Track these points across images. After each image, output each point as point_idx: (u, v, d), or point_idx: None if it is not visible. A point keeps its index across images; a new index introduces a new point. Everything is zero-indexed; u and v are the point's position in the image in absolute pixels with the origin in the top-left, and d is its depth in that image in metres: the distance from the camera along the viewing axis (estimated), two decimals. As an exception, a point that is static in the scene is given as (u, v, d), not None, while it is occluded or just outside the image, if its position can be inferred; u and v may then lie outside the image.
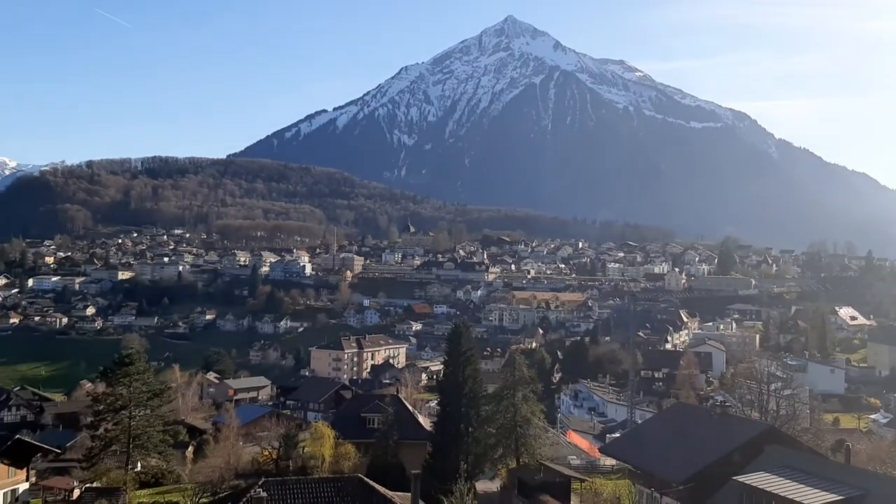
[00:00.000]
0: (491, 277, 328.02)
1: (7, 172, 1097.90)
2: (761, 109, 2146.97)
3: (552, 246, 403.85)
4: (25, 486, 63.02)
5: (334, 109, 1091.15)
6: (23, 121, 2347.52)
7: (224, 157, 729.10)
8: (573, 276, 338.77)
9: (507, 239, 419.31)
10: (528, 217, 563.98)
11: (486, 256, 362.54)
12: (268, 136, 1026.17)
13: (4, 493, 59.90)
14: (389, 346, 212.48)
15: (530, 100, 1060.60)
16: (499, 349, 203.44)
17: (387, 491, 40.43)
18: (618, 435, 76.28)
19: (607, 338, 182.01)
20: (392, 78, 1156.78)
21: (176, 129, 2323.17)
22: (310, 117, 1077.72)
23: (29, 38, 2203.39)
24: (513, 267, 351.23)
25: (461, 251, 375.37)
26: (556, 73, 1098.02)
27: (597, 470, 67.11)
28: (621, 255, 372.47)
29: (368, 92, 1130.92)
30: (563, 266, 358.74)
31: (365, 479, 41.39)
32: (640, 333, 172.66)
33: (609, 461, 65.96)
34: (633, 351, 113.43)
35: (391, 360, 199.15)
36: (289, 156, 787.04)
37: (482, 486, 58.19)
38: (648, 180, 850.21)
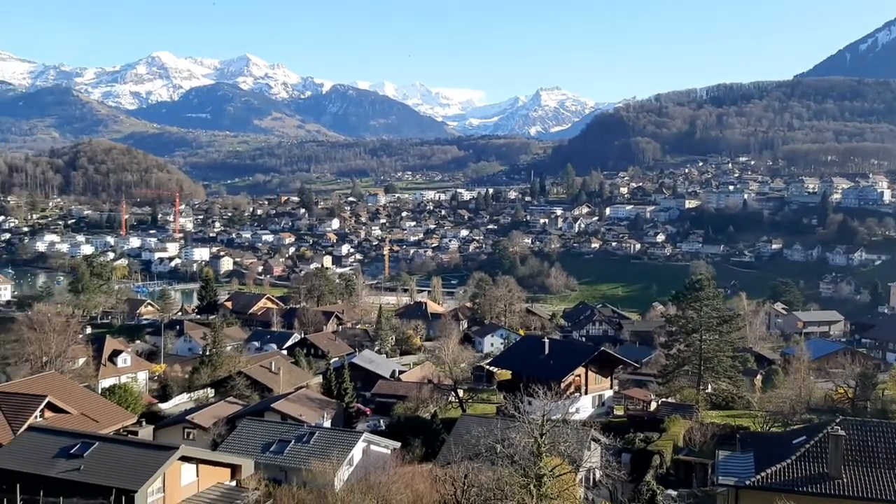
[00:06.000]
0: None
1: (587, 112, 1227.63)
2: None
3: None
4: (610, 393, 72.16)
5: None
6: (604, 65, 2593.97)
7: (790, 78, 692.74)
8: None
9: None
10: None
11: None
12: (839, 51, 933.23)
13: (593, 397, 69.73)
14: None
15: None
16: None
17: None
18: None
19: None
20: None
21: (740, 55, 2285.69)
22: (889, 24, 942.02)
23: None
24: None
25: None
26: None
27: None
28: None
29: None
30: None
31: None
32: None
33: None
34: None
35: None
36: (864, 70, 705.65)
37: None
38: None
